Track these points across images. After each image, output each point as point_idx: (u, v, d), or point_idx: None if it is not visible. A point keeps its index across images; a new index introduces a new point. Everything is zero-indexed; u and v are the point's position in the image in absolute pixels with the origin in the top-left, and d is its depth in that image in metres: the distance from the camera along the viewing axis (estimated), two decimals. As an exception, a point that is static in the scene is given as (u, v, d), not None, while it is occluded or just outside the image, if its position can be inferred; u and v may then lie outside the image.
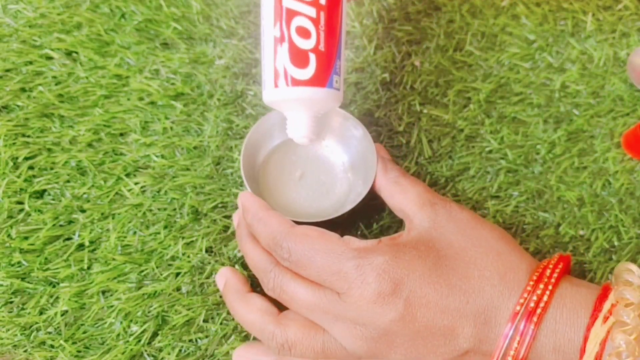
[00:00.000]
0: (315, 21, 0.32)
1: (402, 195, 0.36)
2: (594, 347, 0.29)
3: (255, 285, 0.39)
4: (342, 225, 0.39)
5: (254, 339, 0.38)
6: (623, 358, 0.28)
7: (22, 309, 0.39)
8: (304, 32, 0.32)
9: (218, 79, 0.47)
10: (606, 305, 0.30)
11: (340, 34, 0.34)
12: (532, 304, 0.31)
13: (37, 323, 0.38)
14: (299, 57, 0.33)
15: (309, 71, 0.33)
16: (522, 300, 0.31)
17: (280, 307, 0.35)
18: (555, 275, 0.32)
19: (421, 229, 0.34)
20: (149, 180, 0.43)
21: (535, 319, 0.30)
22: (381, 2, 0.51)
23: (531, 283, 0.31)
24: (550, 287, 0.31)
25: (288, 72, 0.33)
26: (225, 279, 0.38)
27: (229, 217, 0.42)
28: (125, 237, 0.41)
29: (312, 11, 0.32)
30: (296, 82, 0.33)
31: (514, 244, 0.34)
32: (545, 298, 0.31)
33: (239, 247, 0.38)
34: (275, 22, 0.32)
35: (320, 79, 0.33)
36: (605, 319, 0.30)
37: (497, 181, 0.44)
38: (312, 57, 0.33)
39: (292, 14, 0.32)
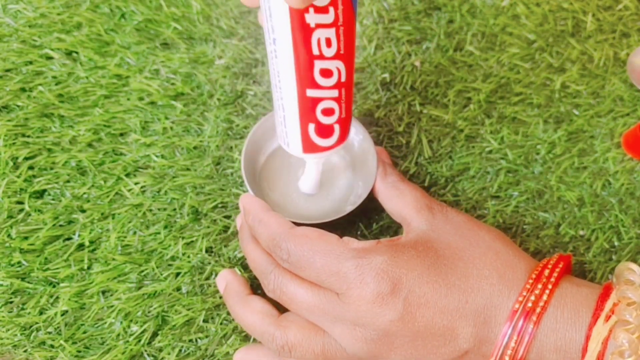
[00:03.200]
0: (338, 99, 0.32)
1: (400, 199, 0.37)
2: (596, 346, 0.29)
3: (256, 287, 0.39)
4: (341, 225, 0.39)
5: (255, 340, 0.38)
6: (626, 357, 0.28)
7: (22, 309, 0.39)
8: (328, 112, 0.33)
9: (218, 79, 0.47)
10: (608, 305, 0.30)
11: (353, 85, 0.35)
12: (530, 303, 0.31)
13: (37, 323, 0.38)
14: (324, 132, 0.34)
15: (334, 138, 0.35)
16: (520, 299, 0.31)
17: (281, 309, 0.35)
18: (555, 274, 0.32)
19: (419, 231, 0.35)
20: (149, 180, 0.43)
21: (534, 317, 0.30)
22: (381, 2, 0.51)
23: (530, 281, 0.32)
24: (549, 286, 0.31)
25: (315, 143, 0.34)
26: (226, 281, 0.38)
27: (229, 217, 0.42)
28: (125, 237, 0.41)
29: (335, 92, 0.32)
30: (322, 149, 0.35)
31: (511, 244, 0.35)
32: (544, 297, 0.31)
33: (242, 249, 0.38)
34: (300, 108, 0.32)
35: (342, 137, 0.35)
36: (607, 318, 0.30)
37: (497, 181, 0.44)
38: (337, 127, 0.34)
39: (316, 101, 0.32)
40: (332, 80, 0.31)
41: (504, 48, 0.49)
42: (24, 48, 0.48)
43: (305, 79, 0.31)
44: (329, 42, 0.29)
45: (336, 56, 0.30)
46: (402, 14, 0.50)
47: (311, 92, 0.32)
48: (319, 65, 0.30)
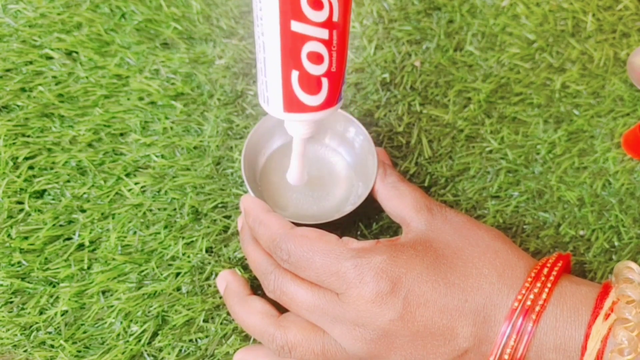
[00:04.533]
0: (327, 43, 0.28)
1: (400, 200, 0.37)
2: (596, 344, 0.29)
3: (256, 288, 0.39)
4: (341, 225, 0.39)
5: (255, 341, 0.38)
6: (625, 355, 0.28)
7: (22, 309, 0.39)
8: (316, 58, 0.29)
9: (218, 79, 0.47)
10: (607, 303, 0.30)
11: (348, 41, 0.30)
12: (529, 302, 0.31)
13: (37, 323, 0.38)
14: (311, 84, 0.30)
15: (321, 96, 0.30)
16: (519, 297, 0.31)
17: (281, 309, 0.35)
18: (554, 273, 0.32)
19: (418, 231, 0.35)
20: (149, 180, 0.43)
21: (533, 316, 0.30)
22: (381, 2, 0.51)
23: (529, 280, 0.32)
24: (549, 285, 0.31)
25: (300, 99, 0.30)
26: (226, 281, 0.38)
27: (229, 217, 0.42)
28: (125, 237, 0.41)
29: (324, 33, 0.28)
30: (307, 109, 0.31)
31: (510, 243, 0.35)
32: (544, 295, 0.31)
33: (242, 250, 0.38)
34: (283, 46, 0.28)
35: (331, 100, 0.31)
36: (607, 316, 0.30)
37: (497, 181, 0.44)
38: (325, 82, 0.30)
39: (302, 39, 0.28)
40: (323, 15, 0.27)
41: (504, 48, 0.49)
42: (24, 48, 0.48)
43: (291, 4, 0.27)
44: None
45: None
46: (402, 14, 0.50)
47: (296, 26, 0.27)
48: None
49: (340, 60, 0.30)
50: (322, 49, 0.28)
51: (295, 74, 0.29)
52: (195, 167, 0.44)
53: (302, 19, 0.27)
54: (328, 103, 0.31)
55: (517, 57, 0.48)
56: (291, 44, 0.28)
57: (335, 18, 0.28)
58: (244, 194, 0.42)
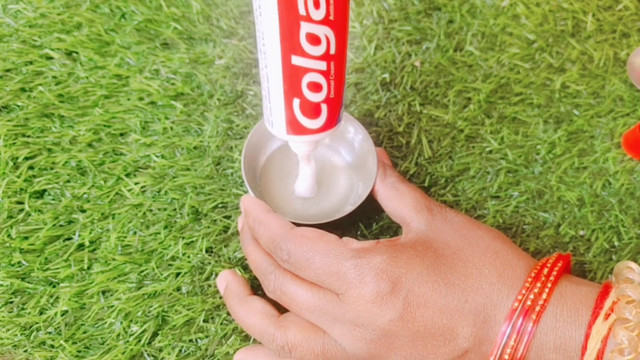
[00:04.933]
0: (326, 73, 0.31)
1: (399, 200, 0.37)
2: (596, 344, 0.29)
3: (256, 288, 0.39)
4: (341, 226, 0.39)
5: (255, 341, 0.38)
6: (625, 354, 0.28)
7: (22, 309, 0.39)
8: (315, 87, 0.31)
9: (218, 79, 0.47)
10: (607, 303, 0.30)
11: (345, 69, 0.33)
12: (529, 302, 0.31)
13: (37, 323, 0.38)
14: (311, 110, 0.32)
15: (321, 120, 0.33)
16: (519, 297, 0.31)
17: (281, 309, 0.35)
18: (554, 273, 0.32)
19: (418, 231, 0.35)
20: (149, 180, 0.43)
21: (533, 316, 0.30)
22: (381, 2, 0.51)
23: (529, 280, 0.32)
24: (549, 285, 0.31)
25: (301, 124, 0.32)
26: (226, 282, 0.38)
27: (229, 217, 0.42)
28: (125, 237, 0.41)
29: (322, 65, 0.30)
30: (308, 132, 0.33)
31: (510, 243, 0.35)
32: (544, 295, 0.31)
33: (243, 250, 0.38)
34: (285, 77, 0.30)
35: (331, 123, 0.33)
36: (607, 316, 0.30)
37: (497, 181, 0.44)
38: (324, 107, 0.32)
39: (302, 71, 0.30)
40: (320, 49, 0.29)
41: (504, 48, 0.49)
42: (24, 48, 0.48)
43: (291, 42, 0.29)
44: (317, 3, 0.28)
45: (325, 21, 0.28)
46: (402, 14, 0.50)
47: (296, 60, 0.30)
48: (305, 28, 0.28)
49: (338, 88, 0.32)
50: (320, 79, 0.31)
51: (296, 102, 0.31)
52: (195, 167, 0.44)
53: (302, 53, 0.29)
54: (327, 125, 0.33)
55: (517, 57, 0.48)
56: (292, 76, 0.30)
57: (332, 51, 0.30)
58: (244, 194, 0.42)
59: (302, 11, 0.28)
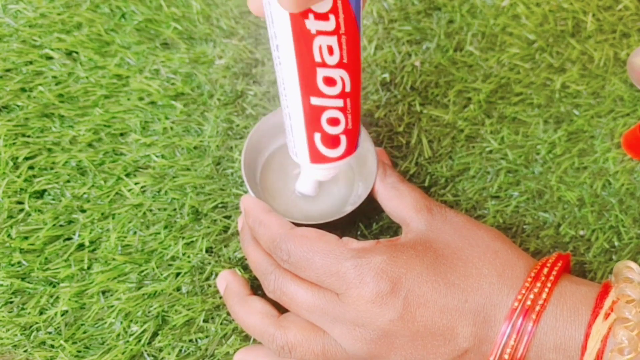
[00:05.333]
0: (343, 109, 0.32)
1: (399, 200, 0.37)
2: (596, 343, 0.29)
3: (256, 288, 0.39)
4: (342, 226, 0.39)
5: (255, 341, 0.38)
6: (625, 354, 0.28)
7: (22, 309, 0.39)
8: (334, 121, 0.33)
9: (218, 79, 0.47)
10: (607, 302, 0.30)
11: (360, 102, 0.35)
12: (529, 302, 0.31)
13: (37, 323, 0.38)
14: (331, 142, 0.34)
15: (341, 149, 0.34)
16: (519, 297, 0.31)
17: (281, 309, 0.35)
18: (554, 272, 0.32)
19: (418, 231, 0.35)
20: (149, 180, 0.43)
21: (533, 316, 0.30)
22: (381, 2, 0.51)
23: (529, 280, 0.32)
24: (548, 285, 0.31)
25: (322, 154, 0.34)
26: (226, 282, 0.38)
27: (229, 217, 0.42)
28: (125, 237, 0.41)
29: (339, 102, 0.32)
30: (330, 160, 0.35)
31: (510, 243, 0.35)
32: (544, 295, 0.31)
33: (243, 250, 0.38)
34: (305, 116, 0.32)
35: (350, 150, 0.35)
36: (607, 315, 0.30)
37: (497, 181, 0.44)
38: (343, 138, 0.34)
39: (321, 109, 0.32)
40: (336, 89, 0.31)
41: (504, 48, 0.49)
42: (24, 48, 0.48)
43: (309, 86, 0.31)
44: (330, 50, 0.30)
45: (339, 65, 0.30)
46: (402, 14, 0.50)
47: (315, 101, 0.32)
48: (321, 72, 0.30)
49: (355, 119, 0.34)
50: (339, 114, 0.33)
51: (317, 135, 0.33)
52: (195, 167, 0.44)
53: (320, 94, 0.31)
54: (347, 153, 0.35)
55: (517, 57, 0.48)
56: (312, 114, 0.32)
57: (347, 89, 0.32)
58: (244, 194, 0.42)
59: (317, 59, 0.30)
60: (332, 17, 0.28)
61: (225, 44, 0.49)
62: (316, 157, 0.35)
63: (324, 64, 0.30)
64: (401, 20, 0.50)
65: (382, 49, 0.49)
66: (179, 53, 0.48)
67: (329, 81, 0.31)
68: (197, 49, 0.48)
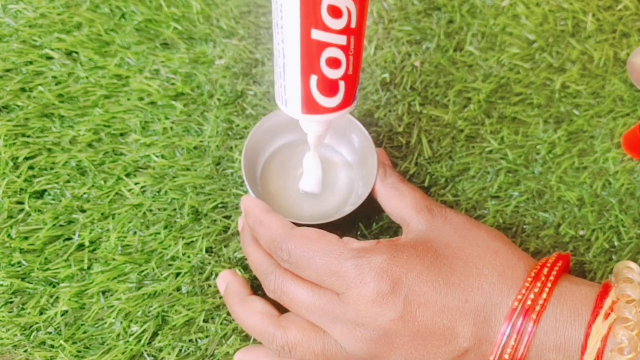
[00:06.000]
0: (345, 48, 0.30)
1: (400, 200, 0.37)
2: (596, 343, 0.29)
3: (256, 288, 0.39)
4: (342, 226, 0.39)
5: (255, 341, 0.38)
6: (625, 354, 0.28)
7: (22, 309, 0.39)
8: (334, 63, 0.30)
9: (218, 79, 0.47)
10: (607, 302, 0.30)
11: (364, 44, 0.32)
12: (529, 302, 0.31)
13: (37, 323, 0.38)
14: (328, 87, 0.31)
15: (338, 98, 0.32)
16: (519, 297, 0.31)
17: (281, 309, 0.35)
18: (554, 273, 0.32)
19: (418, 231, 0.35)
20: (149, 180, 0.43)
21: (534, 316, 0.30)
22: (381, 2, 0.51)
23: (529, 280, 0.32)
24: (548, 285, 0.31)
25: (317, 102, 0.31)
26: (226, 282, 0.38)
27: (229, 217, 0.42)
28: (125, 237, 0.41)
29: (343, 39, 0.29)
30: (324, 110, 0.32)
31: (510, 243, 0.35)
32: (544, 295, 0.31)
33: (243, 250, 0.38)
34: (303, 53, 0.29)
35: (347, 101, 0.32)
36: (607, 315, 0.30)
37: (497, 181, 0.44)
38: (342, 85, 0.31)
39: (322, 45, 0.29)
40: (341, 22, 0.28)
41: (504, 48, 0.49)
42: (24, 48, 0.48)
43: (311, 14, 0.28)
44: None
45: None
46: (402, 14, 0.50)
47: (317, 34, 0.28)
48: None
49: (356, 63, 0.31)
50: (340, 54, 0.30)
51: (314, 79, 0.30)
52: (195, 167, 0.44)
53: (322, 27, 0.28)
54: (344, 104, 0.32)
55: (517, 57, 0.48)
56: (311, 51, 0.29)
57: (353, 25, 0.29)
58: (244, 194, 0.42)
59: None
60: None
61: (225, 44, 0.49)
62: (309, 106, 0.32)
63: None
64: (401, 20, 0.50)
65: (382, 49, 0.49)
66: (179, 53, 0.48)
67: (335, 11, 0.28)
68: (197, 49, 0.48)
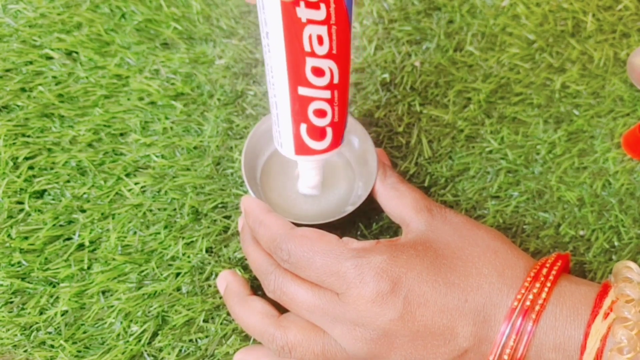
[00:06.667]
0: (330, 101, 0.33)
1: (399, 201, 0.37)
2: (595, 343, 0.29)
3: (256, 288, 0.39)
4: (341, 226, 0.39)
5: (255, 341, 0.38)
6: (624, 353, 0.28)
7: (22, 309, 0.39)
8: (321, 113, 0.33)
9: (218, 79, 0.47)
10: (606, 302, 0.30)
11: (348, 95, 0.35)
12: (528, 302, 0.31)
13: (37, 323, 0.38)
14: (316, 134, 0.34)
15: (327, 142, 0.34)
16: (519, 297, 0.31)
17: (281, 309, 0.35)
18: (553, 272, 0.32)
19: (418, 231, 0.35)
20: (149, 180, 0.43)
21: (533, 316, 0.30)
22: (381, 2, 0.51)
23: (528, 279, 0.32)
24: (548, 285, 0.31)
25: (308, 145, 0.34)
26: (226, 282, 0.38)
27: (229, 217, 0.42)
28: (125, 237, 0.41)
29: (327, 94, 0.32)
30: (315, 152, 0.35)
31: (510, 243, 0.35)
32: (543, 295, 0.31)
33: (243, 250, 0.38)
34: (292, 105, 0.32)
35: (335, 143, 0.35)
36: (606, 315, 0.30)
37: (497, 181, 0.44)
38: (329, 131, 0.34)
39: (308, 100, 0.32)
40: (324, 80, 0.31)
41: (504, 48, 0.49)
42: (24, 48, 0.48)
43: (297, 75, 0.31)
44: (320, 40, 0.30)
45: (328, 55, 0.30)
46: (402, 14, 0.50)
47: (303, 91, 0.32)
48: (310, 62, 0.30)
49: (341, 112, 0.34)
50: (325, 106, 0.33)
51: (303, 126, 0.33)
52: (195, 167, 0.44)
53: (307, 84, 0.31)
54: (332, 146, 0.35)
55: (517, 57, 0.48)
56: (299, 104, 0.32)
57: (335, 81, 0.32)
58: (244, 194, 0.42)
59: (307, 48, 0.30)
60: (323, 6, 0.28)
61: (225, 44, 0.49)
62: (301, 149, 0.35)
63: (313, 54, 0.30)
64: (401, 20, 0.50)
65: (382, 49, 0.49)
66: (179, 53, 0.48)
67: (318, 71, 0.31)
68: (197, 49, 0.48)
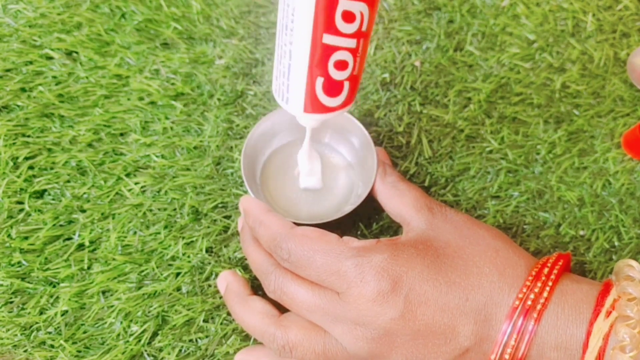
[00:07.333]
0: (354, 51, 0.29)
1: (400, 199, 0.37)
2: (597, 341, 0.29)
3: (256, 288, 0.39)
4: (342, 225, 0.39)
5: (255, 341, 0.38)
6: (627, 352, 0.28)
7: (22, 309, 0.39)
8: (342, 65, 0.30)
9: (218, 79, 0.47)
10: (608, 301, 0.30)
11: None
12: (529, 301, 0.31)
13: (37, 323, 0.38)
14: (333, 89, 0.31)
15: (341, 98, 0.32)
16: (520, 296, 0.31)
17: (282, 309, 0.35)
18: (554, 272, 0.32)
19: (419, 230, 0.35)
20: (149, 180, 0.43)
21: (535, 315, 0.30)
22: (381, 2, 0.51)
23: (530, 279, 0.32)
24: (549, 284, 0.31)
25: (321, 102, 0.31)
26: (227, 282, 0.38)
27: (229, 217, 0.42)
28: (125, 237, 0.41)
29: (353, 42, 0.29)
30: (327, 110, 0.32)
31: (511, 242, 0.35)
32: (545, 294, 0.31)
33: (243, 250, 0.38)
34: (312, 56, 0.29)
35: (349, 100, 0.32)
36: (608, 313, 0.30)
37: (498, 181, 0.44)
38: (346, 85, 0.31)
39: (332, 49, 0.29)
40: (353, 27, 0.28)
41: (504, 48, 0.49)
42: (24, 48, 0.48)
43: (325, 20, 0.27)
44: None
45: None
46: (402, 14, 0.50)
47: (328, 39, 0.28)
48: (343, 4, 0.27)
49: (361, 64, 0.31)
50: (348, 57, 0.29)
51: (320, 80, 0.30)
52: (195, 167, 0.44)
53: (335, 31, 0.28)
54: (346, 103, 0.32)
55: (517, 57, 0.48)
56: (321, 54, 0.29)
57: (364, 28, 0.29)
58: (244, 194, 0.42)
59: None
60: None
61: (225, 44, 0.49)
62: (312, 105, 0.31)
63: None
64: (401, 20, 0.50)
65: (382, 49, 0.49)
66: (179, 53, 0.48)
67: (348, 16, 0.28)
68: (197, 49, 0.48)
